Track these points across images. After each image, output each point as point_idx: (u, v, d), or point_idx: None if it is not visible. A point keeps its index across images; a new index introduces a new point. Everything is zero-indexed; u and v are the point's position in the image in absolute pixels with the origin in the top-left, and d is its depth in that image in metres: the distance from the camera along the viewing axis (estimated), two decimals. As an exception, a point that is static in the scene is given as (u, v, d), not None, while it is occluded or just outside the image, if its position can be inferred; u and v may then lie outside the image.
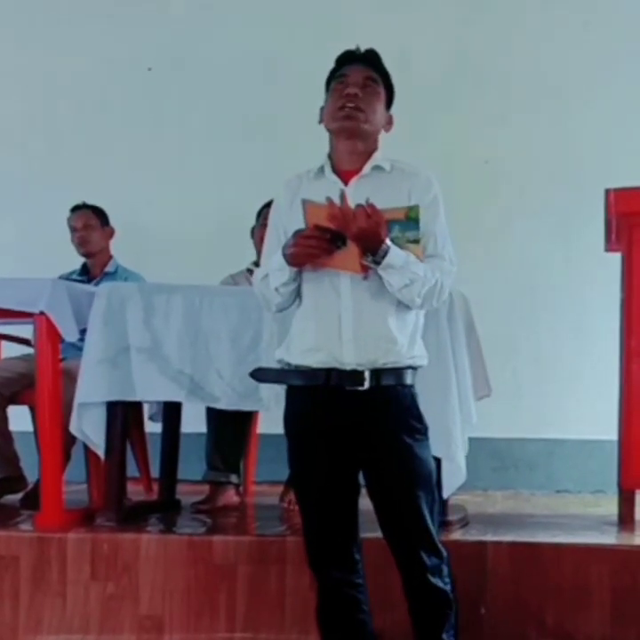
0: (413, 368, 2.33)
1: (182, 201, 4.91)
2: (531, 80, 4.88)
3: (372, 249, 2.22)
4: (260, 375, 2.46)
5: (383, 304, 2.28)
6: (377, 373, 2.27)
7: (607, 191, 3.42)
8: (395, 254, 2.22)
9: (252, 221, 4.25)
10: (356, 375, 2.26)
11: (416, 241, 2.26)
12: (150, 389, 3.26)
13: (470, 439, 3.19)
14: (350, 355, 2.26)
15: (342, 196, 2.23)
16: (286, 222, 2.38)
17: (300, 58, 4.73)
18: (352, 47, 2.42)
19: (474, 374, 3.26)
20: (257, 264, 4.22)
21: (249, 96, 4.95)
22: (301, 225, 2.28)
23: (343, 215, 2.19)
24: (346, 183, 2.36)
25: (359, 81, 2.36)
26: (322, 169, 2.41)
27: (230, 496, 3.74)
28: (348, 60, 2.41)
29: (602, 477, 4.25)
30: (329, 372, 2.27)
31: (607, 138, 4.74)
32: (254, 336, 3.22)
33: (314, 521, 2.35)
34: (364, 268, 2.25)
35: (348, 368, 2.26)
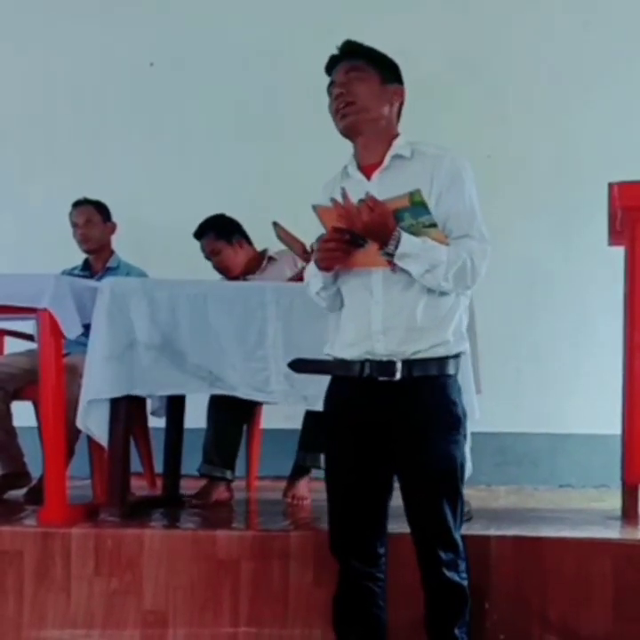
0: (449, 357, 2.30)
1: (184, 196, 4.91)
2: (531, 78, 4.88)
3: (383, 240, 2.22)
4: (299, 366, 2.46)
5: (413, 294, 2.27)
6: (409, 364, 2.27)
7: (611, 185, 3.41)
8: (408, 242, 2.22)
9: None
10: (388, 366, 2.27)
11: (433, 225, 2.23)
12: (169, 384, 3.27)
13: (473, 434, 3.17)
14: (381, 346, 2.27)
15: (344, 194, 2.23)
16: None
17: (300, 56, 4.71)
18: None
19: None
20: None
21: (250, 93, 4.95)
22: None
23: (347, 213, 2.21)
24: (369, 178, 2.36)
25: (342, 78, 2.37)
26: (346, 169, 2.43)
27: (222, 491, 3.74)
28: (332, 65, 2.42)
29: (605, 472, 4.25)
30: (363, 364, 2.29)
31: (608, 135, 4.74)
32: (259, 333, 3.22)
33: (340, 511, 2.37)
34: (389, 263, 2.25)
35: (380, 359, 2.27)
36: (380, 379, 2.27)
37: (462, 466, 2.33)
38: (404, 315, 2.27)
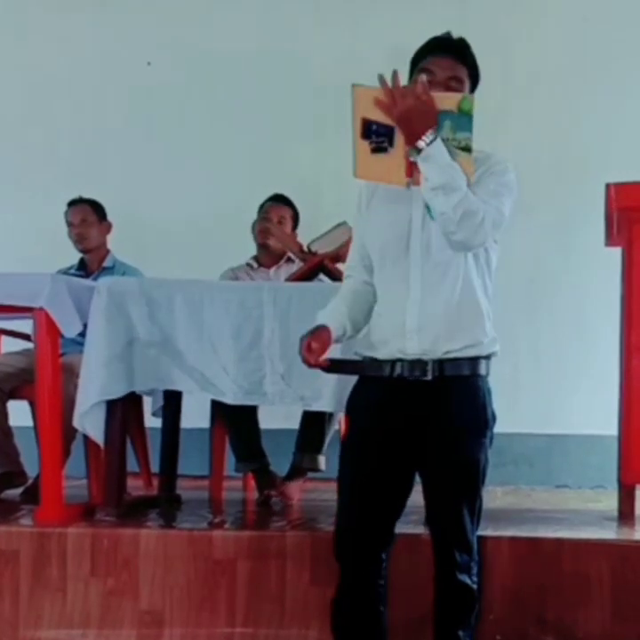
0: (482, 357, 2.26)
1: (181, 195, 4.91)
2: (531, 72, 4.87)
3: (417, 133, 2.11)
4: (333, 367, 2.34)
5: (449, 292, 2.23)
6: (440, 363, 2.23)
7: (608, 186, 3.41)
8: (440, 149, 2.12)
9: (252, 215, 4.25)
10: (420, 365, 2.23)
11: (467, 148, 2.15)
12: (171, 380, 3.28)
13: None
14: (414, 345, 2.23)
15: (394, 76, 2.15)
16: (366, 218, 2.36)
17: (299, 53, 4.71)
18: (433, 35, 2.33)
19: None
20: (257, 259, 4.24)
21: (248, 92, 4.94)
22: (377, 217, 2.29)
23: (392, 93, 2.12)
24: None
25: (442, 81, 2.27)
26: None
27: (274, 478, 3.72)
28: (434, 48, 2.31)
29: (602, 472, 4.25)
30: (394, 363, 2.25)
31: (607, 132, 4.74)
32: (255, 333, 3.22)
33: (353, 514, 2.31)
34: (409, 172, 2.15)
35: (412, 358, 2.24)
36: (411, 378, 2.24)
37: (485, 469, 2.31)
38: (439, 313, 2.23)
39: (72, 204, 4.28)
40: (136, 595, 2.97)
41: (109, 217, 4.33)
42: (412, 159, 2.16)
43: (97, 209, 4.28)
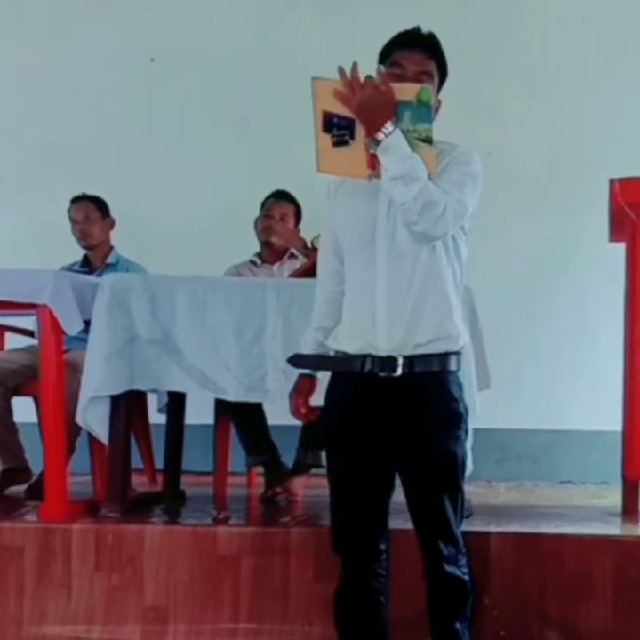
0: (451, 353, 2.28)
1: (184, 191, 4.91)
2: (531, 72, 4.86)
3: (376, 125, 2.12)
4: (297, 361, 2.42)
5: (416, 285, 2.24)
6: (410, 360, 2.24)
7: (611, 181, 3.41)
8: (399, 140, 2.13)
9: (254, 212, 4.25)
10: (390, 361, 2.24)
11: (428, 140, 2.14)
12: (169, 380, 3.28)
13: (474, 431, 3.18)
14: (383, 340, 2.25)
15: (354, 67, 2.15)
16: (333, 208, 2.37)
17: (299, 51, 4.72)
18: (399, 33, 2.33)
19: (476, 366, 3.26)
20: (260, 256, 4.24)
21: (250, 90, 4.94)
22: (344, 209, 2.31)
23: (350, 85, 2.13)
24: None
25: (413, 75, 2.27)
26: None
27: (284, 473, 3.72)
28: (405, 42, 2.30)
29: (605, 468, 4.25)
30: (364, 359, 2.26)
31: (608, 129, 4.74)
32: (258, 329, 3.22)
33: (343, 508, 2.35)
34: (371, 164, 2.15)
35: (383, 354, 2.25)
36: (381, 374, 2.26)
37: (463, 462, 2.33)
38: (408, 304, 2.24)
39: (75, 200, 4.28)
40: (140, 590, 2.98)
41: (111, 214, 4.32)
42: (371, 151, 2.15)
43: (100, 205, 4.28)
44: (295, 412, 2.44)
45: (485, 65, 4.86)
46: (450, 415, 2.29)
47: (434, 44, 2.33)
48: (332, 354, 2.37)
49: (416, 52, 2.29)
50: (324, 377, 2.44)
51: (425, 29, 2.33)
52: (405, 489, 2.32)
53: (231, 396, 3.28)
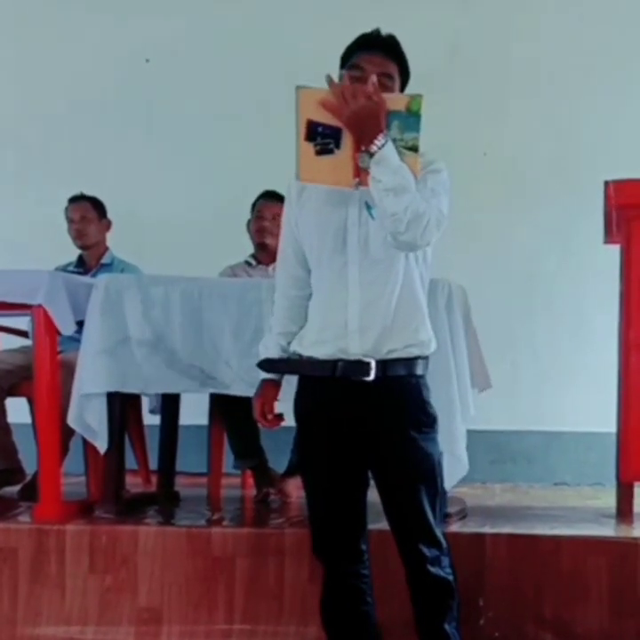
0: (422, 358, 2.29)
1: (179, 192, 4.91)
2: (528, 74, 4.87)
3: (369, 136, 2.10)
4: (268, 365, 2.40)
5: (391, 291, 2.24)
6: (383, 364, 2.24)
7: (607, 183, 3.41)
8: (391, 151, 2.11)
9: (249, 213, 4.24)
10: (362, 365, 2.24)
11: (414, 148, 2.13)
12: (160, 382, 3.27)
13: (468, 432, 3.18)
14: (356, 345, 2.24)
15: (344, 77, 2.15)
16: (297, 213, 2.35)
17: (297, 49, 4.72)
18: (355, 33, 2.32)
19: (472, 367, 3.26)
20: (255, 257, 4.23)
21: (246, 89, 4.94)
22: (310, 215, 2.28)
23: (341, 93, 2.11)
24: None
25: (371, 76, 2.22)
26: None
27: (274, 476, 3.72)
28: (365, 44, 2.29)
29: (600, 470, 4.25)
30: (335, 363, 2.25)
31: (606, 130, 4.74)
32: (256, 330, 3.21)
33: (319, 510, 2.34)
34: (357, 173, 2.14)
35: (354, 358, 2.24)
36: (354, 378, 2.25)
37: (440, 462, 2.32)
38: (381, 312, 2.24)
39: (73, 200, 4.28)
40: (134, 592, 2.97)
41: (108, 215, 4.32)
42: (362, 165, 2.14)
43: (97, 206, 4.28)
44: (260, 418, 2.40)
45: (484, 65, 4.86)
46: (423, 416, 2.29)
47: (393, 45, 2.30)
48: (296, 358, 2.34)
49: (375, 53, 2.27)
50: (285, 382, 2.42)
51: (384, 32, 2.32)
52: (381, 491, 2.31)
53: (234, 391, 3.27)
